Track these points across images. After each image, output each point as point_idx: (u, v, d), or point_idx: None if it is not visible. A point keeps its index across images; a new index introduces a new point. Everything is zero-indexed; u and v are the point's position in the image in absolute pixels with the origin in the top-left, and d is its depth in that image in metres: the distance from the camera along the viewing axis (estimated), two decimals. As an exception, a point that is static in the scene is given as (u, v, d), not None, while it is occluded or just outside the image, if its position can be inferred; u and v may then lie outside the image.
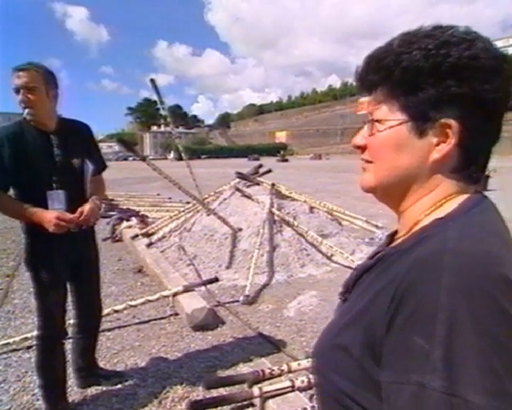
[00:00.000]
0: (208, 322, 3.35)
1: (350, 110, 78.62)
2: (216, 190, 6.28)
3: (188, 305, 3.44)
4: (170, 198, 10.82)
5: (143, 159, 3.94)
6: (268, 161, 14.58)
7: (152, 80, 4.45)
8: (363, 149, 0.63)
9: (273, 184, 5.82)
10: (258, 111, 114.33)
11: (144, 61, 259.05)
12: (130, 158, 46.80)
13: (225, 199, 5.71)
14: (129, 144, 3.48)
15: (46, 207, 1.95)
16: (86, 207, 1.97)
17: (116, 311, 3.48)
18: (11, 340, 3.16)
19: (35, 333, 3.19)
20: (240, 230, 5.04)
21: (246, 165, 30.26)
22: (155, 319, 3.63)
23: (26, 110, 1.93)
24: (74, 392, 2.52)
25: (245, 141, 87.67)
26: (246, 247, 4.83)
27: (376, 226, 6.28)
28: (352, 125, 73.85)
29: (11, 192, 2.03)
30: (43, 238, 1.95)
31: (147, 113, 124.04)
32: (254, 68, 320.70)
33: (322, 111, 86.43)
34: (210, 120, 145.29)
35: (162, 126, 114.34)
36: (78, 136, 2.12)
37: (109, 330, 3.38)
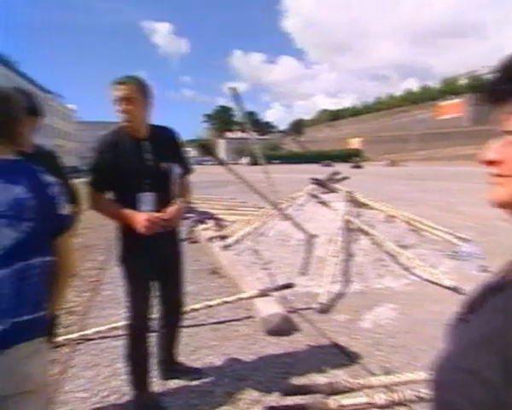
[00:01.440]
0: (283, 328, 3.35)
1: (430, 115, 74.17)
2: (290, 195, 6.29)
3: (263, 309, 3.47)
4: (244, 202, 11.04)
5: (223, 164, 4.07)
6: (341, 168, 14.31)
7: (232, 89, 4.59)
8: (495, 163, 0.58)
9: (349, 192, 5.67)
10: (332, 117, 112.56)
11: (220, 70, 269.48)
12: (207, 162, 48.59)
13: (300, 205, 5.69)
14: (210, 149, 3.62)
15: (137, 209, 2.10)
16: (172, 209, 2.08)
17: (194, 309, 3.62)
18: (103, 328, 3.44)
19: (121, 324, 3.46)
20: (315, 236, 4.98)
21: (318, 171, 29.97)
22: (230, 321, 3.71)
23: (124, 119, 2.09)
24: (156, 383, 2.66)
25: (318, 147, 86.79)
26: (321, 254, 4.76)
27: (461, 239, 5.82)
28: (432, 131, 69.52)
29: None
30: (133, 237, 2.09)
31: (222, 119, 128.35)
32: (328, 73, 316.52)
33: (398, 116, 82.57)
34: (283, 126, 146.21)
35: (239, 133, 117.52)
36: (166, 141, 2.25)
37: (187, 327, 3.53)
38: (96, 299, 4.37)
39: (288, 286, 3.97)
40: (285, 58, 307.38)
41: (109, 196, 2.21)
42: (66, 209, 1.44)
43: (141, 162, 2.14)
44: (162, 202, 2.11)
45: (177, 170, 2.17)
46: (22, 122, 1.42)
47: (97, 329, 3.43)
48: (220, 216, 8.01)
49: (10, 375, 1.31)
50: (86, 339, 3.34)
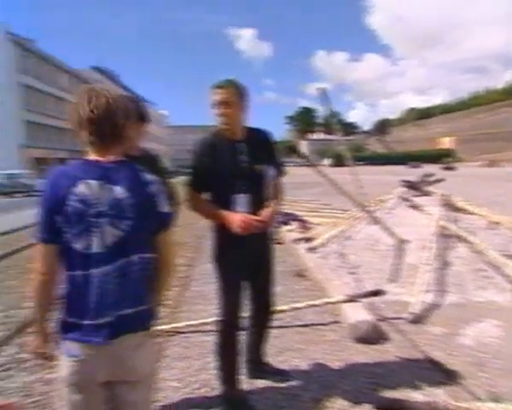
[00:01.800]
0: (372, 336, 3.20)
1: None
2: (379, 198, 6.01)
3: (351, 315, 3.36)
4: (328, 204, 10.86)
5: (312, 165, 4.03)
6: (431, 169, 13.23)
7: (321, 89, 4.52)
8: None
9: (445, 195, 5.25)
10: (420, 115, 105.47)
11: (303, 71, 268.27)
12: (290, 164, 48.64)
13: (390, 208, 5.41)
14: (298, 151, 3.60)
15: (232, 210, 2.15)
16: (266, 211, 2.09)
17: (281, 311, 3.63)
18: (194, 322, 3.60)
19: (211, 320, 3.59)
20: (406, 242, 4.70)
21: (406, 173, 28.31)
22: (317, 325, 3.65)
23: (222, 122, 2.16)
24: (244, 381, 2.70)
25: (404, 147, 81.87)
26: (412, 261, 4.47)
27: None
28: (544, 127, 61.54)
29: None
30: (227, 237, 2.15)
31: (304, 121, 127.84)
32: (417, 69, 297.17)
33: (498, 112, 74.28)
34: (367, 127, 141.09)
35: (321, 134, 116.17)
36: (261, 143, 2.28)
37: (274, 328, 3.55)
38: (186, 294, 4.61)
39: (378, 293, 3.79)
40: (370, 55, 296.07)
41: (206, 196, 2.30)
42: (166, 207, 1.47)
43: (237, 164, 2.19)
44: (256, 204, 2.14)
45: (271, 172, 2.18)
46: (131, 127, 1.53)
47: (188, 323, 3.61)
48: (304, 218, 7.95)
49: (116, 364, 1.41)
50: (178, 332, 3.53)
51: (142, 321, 1.45)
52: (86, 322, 1.36)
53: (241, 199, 2.16)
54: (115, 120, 1.40)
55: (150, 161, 2.21)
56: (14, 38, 37.35)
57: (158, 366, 2.95)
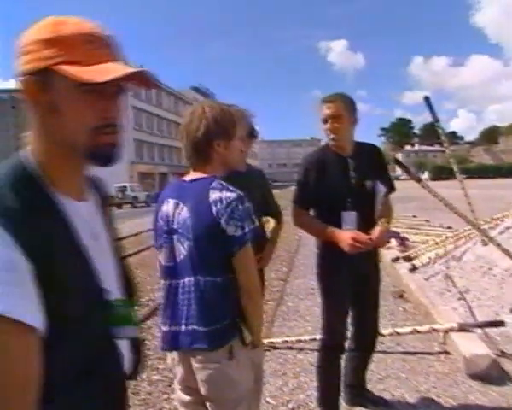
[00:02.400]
0: (491, 374, 2.82)
1: None
2: (494, 216, 5.38)
3: (465, 347, 3.00)
4: (428, 221, 10.08)
5: (418, 180, 3.75)
6: None
7: (426, 98, 4.22)
8: None
9: None
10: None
11: (398, 80, 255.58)
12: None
13: (508, 228, 4.80)
14: (403, 164, 3.38)
15: (338, 227, 2.06)
16: (377, 230, 1.97)
17: (381, 334, 3.39)
18: (290, 339, 3.55)
19: (308, 337, 3.50)
20: (529, 267, 4.11)
21: (522, 187, 25.20)
22: (422, 353, 3.34)
23: (331, 137, 2.10)
24: (342, 407, 2.56)
25: (517, 158, 73.24)
26: (538, 289, 3.88)
27: None
28: None
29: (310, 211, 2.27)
30: (335, 255, 2.06)
31: (399, 132, 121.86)
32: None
33: None
34: (471, 136, 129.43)
35: (416, 146, 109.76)
36: (371, 158, 2.17)
37: (375, 352, 3.34)
38: (281, 309, 4.58)
39: (497, 324, 3.34)
40: (476, 57, 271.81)
41: (313, 213, 2.25)
42: (236, 229, 1.34)
43: (345, 181, 2.11)
44: (365, 222, 2.03)
45: (381, 188, 2.05)
46: (227, 145, 1.48)
47: (285, 339, 3.56)
48: (404, 235, 7.46)
49: (192, 376, 1.44)
50: (273, 347, 3.50)
51: (212, 341, 1.38)
52: (164, 328, 1.49)
53: (350, 216, 2.06)
54: (197, 141, 1.43)
55: (256, 177, 2.24)
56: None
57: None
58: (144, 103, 45.37)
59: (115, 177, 35.33)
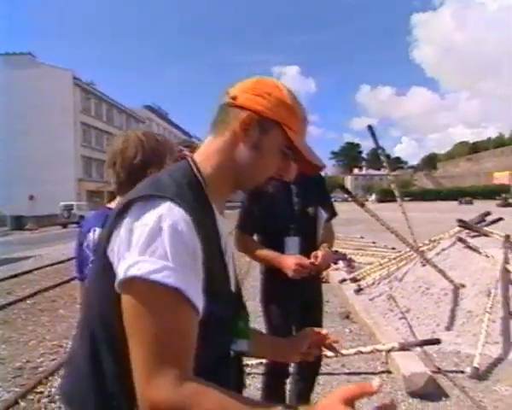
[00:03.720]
0: (429, 391, 2.94)
1: None
2: (432, 238, 5.71)
3: (405, 366, 3.12)
4: (374, 242, 10.50)
5: (362, 205, 3.91)
6: (484, 206, 12.45)
7: (369, 126, 4.46)
8: None
9: (508, 236, 4.88)
10: (471, 149, 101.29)
11: (347, 106, 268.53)
12: (337, 199, 47.81)
13: (444, 249, 5.11)
14: (348, 190, 3.52)
15: (282, 252, 2.09)
16: (319, 254, 2.01)
17: (326, 356, 3.44)
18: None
19: (255, 362, 3.47)
20: (462, 286, 4.38)
21: (457, 210, 27.10)
22: (366, 373, 3.43)
23: None
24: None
25: (454, 183, 78.49)
26: (471, 308, 4.14)
27: None
28: None
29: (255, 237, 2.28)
30: (278, 280, 2.08)
31: (349, 156, 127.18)
32: (468, 102, 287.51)
33: None
34: (414, 162, 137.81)
35: (364, 169, 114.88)
36: (313, 185, 2.23)
37: (320, 374, 3.37)
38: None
39: (434, 342, 3.52)
40: (416, 89, 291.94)
41: (257, 239, 2.26)
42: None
43: (289, 207, 2.15)
44: (308, 247, 2.07)
45: (323, 215, 2.12)
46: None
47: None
48: (349, 257, 7.72)
49: None
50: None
51: None
52: None
53: (293, 242, 2.10)
54: (134, 168, 1.42)
55: None
56: (78, 83, 40.75)
57: None
58: (94, 119, 44.00)
59: (62, 195, 33.88)
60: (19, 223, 28.07)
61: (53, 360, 4.09)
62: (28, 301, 6.57)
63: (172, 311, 0.66)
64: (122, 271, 0.66)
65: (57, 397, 3.18)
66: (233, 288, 0.87)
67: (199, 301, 0.68)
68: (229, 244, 0.89)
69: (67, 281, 7.70)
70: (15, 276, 8.81)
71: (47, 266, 10.03)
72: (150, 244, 0.66)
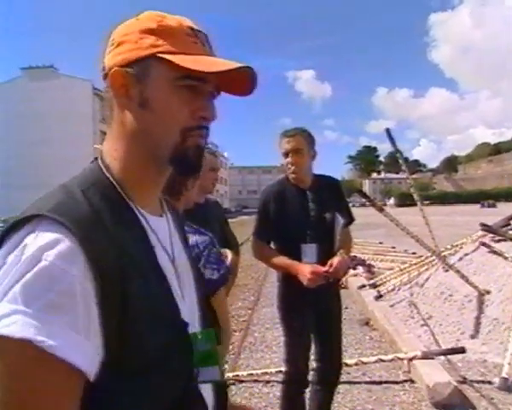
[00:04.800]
0: (454, 402, 2.83)
1: None
2: (455, 243, 5.56)
3: (428, 376, 3.01)
4: (394, 247, 10.31)
5: (381, 209, 3.84)
6: (508, 209, 12.05)
7: (387, 130, 4.38)
8: None
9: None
10: (493, 150, 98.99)
11: (364, 109, 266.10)
12: (355, 204, 47.22)
13: (466, 254, 4.96)
14: (366, 195, 3.46)
15: (299, 260, 2.06)
16: (335, 261, 1.97)
17: (347, 364, 3.37)
18: (256, 371, 3.46)
19: (274, 370, 3.43)
20: (487, 292, 4.24)
21: (479, 213, 26.45)
22: (387, 382, 3.34)
23: (292, 170, 2.14)
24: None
25: (475, 185, 76.87)
26: (497, 315, 3.99)
27: None
28: None
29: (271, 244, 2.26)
30: (295, 289, 2.05)
31: (366, 160, 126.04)
32: (488, 101, 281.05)
33: None
34: (433, 164, 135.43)
35: (382, 173, 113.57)
36: (329, 191, 2.21)
37: (340, 383, 3.30)
38: (247, 340, 4.48)
39: (459, 351, 3.40)
40: (434, 90, 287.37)
41: (273, 246, 2.24)
42: (216, 272, 1.37)
43: (305, 213, 2.12)
44: (325, 254, 2.03)
45: (340, 220, 2.08)
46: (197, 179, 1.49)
47: (250, 372, 3.47)
48: (368, 262, 7.59)
49: None
50: (239, 380, 3.40)
51: None
52: None
53: (310, 249, 2.07)
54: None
55: (214, 208, 2.23)
56: (97, 92, 41.72)
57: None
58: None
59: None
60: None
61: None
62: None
63: (23, 374, 0.47)
64: None
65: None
66: (183, 309, 0.65)
67: (74, 354, 0.48)
68: (179, 248, 0.72)
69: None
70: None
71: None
72: (3, 284, 0.49)
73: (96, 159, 0.67)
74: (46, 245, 0.50)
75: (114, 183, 0.63)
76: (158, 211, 0.71)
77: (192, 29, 0.64)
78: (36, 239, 0.51)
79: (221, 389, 0.79)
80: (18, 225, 0.53)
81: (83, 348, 0.50)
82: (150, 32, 0.62)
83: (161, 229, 0.68)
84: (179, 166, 0.67)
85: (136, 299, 0.55)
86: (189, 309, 0.69)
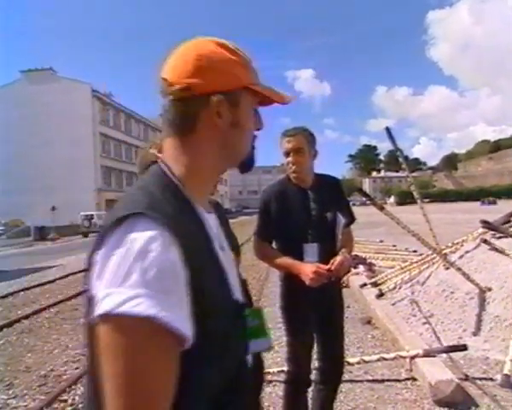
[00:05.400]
0: (457, 399, 2.84)
1: None
2: (455, 241, 5.56)
3: (430, 373, 3.02)
4: (394, 246, 10.32)
5: (381, 208, 3.84)
6: (509, 206, 12.10)
7: (387, 128, 4.38)
8: None
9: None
10: (493, 148, 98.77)
11: (364, 108, 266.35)
12: (355, 203, 47.23)
13: (467, 252, 4.97)
14: (367, 194, 3.46)
15: (301, 259, 2.06)
16: (337, 260, 1.98)
17: (349, 363, 3.38)
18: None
19: (276, 369, 3.44)
20: (489, 290, 4.24)
21: (480, 210, 26.43)
22: (389, 380, 3.35)
23: (293, 169, 2.14)
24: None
25: (476, 183, 76.69)
26: (499, 312, 4.00)
27: None
28: None
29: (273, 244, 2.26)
30: (298, 288, 2.05)
31: (366, 158, 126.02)
32: (489, 99, 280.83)
33: None
34: (433, 162, 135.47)
35: (382, 171, 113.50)
36: (330, 190, 2.20)
37: (342, 382, 3.30)
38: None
39: (461, 348, 3.40)
40: (434, 88, 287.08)
41: (275, 245, 2.24)
42: None
43: (306, 212, 2.12)
44: (327, 253, 2.04)
45: (341, 220, 2.08)
46: None
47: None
48: (369, 261, 7.60)
49: None
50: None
51: None
52: None
53: (312, 248, 2.07)
54: None
55: (217, 211, 2.22)
56: (96, 94, 41.73)
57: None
58: (113, 130, 44.90)
59: (81, 204, 34.65)
60: (41, 233, 28.77)
61: (76, 368, 4.14)
62: (52, 310, 6.71)
63: (145, 347, 0.55)
64: (94, 309, 0.58)
65: (80, 406, 3.21)
66: (236, 294, 0.76)
67: (183, 326, 0.57)
68: (224, 240, 0.82)
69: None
70: (39, 285, 9.02)
71: (69, 275, 10.23)
72: (119, 273, 0.56)
73: (155, 162, 0.76)
74: (150, 238, 0.58)
75: (180, 186, 0.72)
76: (208, 208, 0.80)
77: (250, 59, 0.79)
78: (141, 234, 0.59)
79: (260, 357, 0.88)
80: (117, 223, 0.61)
81: (188, 324, 0.59)
82: (235, 63, 0.75)
83: (213, 224, 0.78)
84: (244, 167, 0.84)
85: (208, 288, 0.64)
86: (238, 291, 0.79)
